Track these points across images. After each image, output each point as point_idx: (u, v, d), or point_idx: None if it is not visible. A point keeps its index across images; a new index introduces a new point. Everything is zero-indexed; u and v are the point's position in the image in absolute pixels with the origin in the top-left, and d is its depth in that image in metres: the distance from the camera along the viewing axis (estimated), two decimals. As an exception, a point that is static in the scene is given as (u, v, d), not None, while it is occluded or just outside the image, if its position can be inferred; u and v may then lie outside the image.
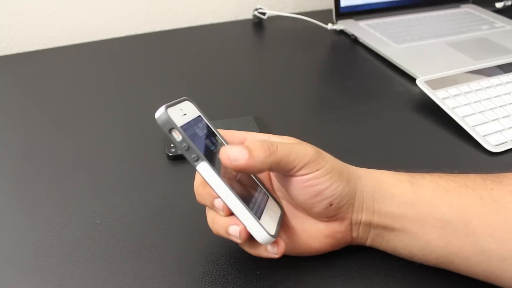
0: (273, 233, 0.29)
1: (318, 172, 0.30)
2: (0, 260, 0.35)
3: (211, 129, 0.32)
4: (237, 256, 0.35)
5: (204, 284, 0.33)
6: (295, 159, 0.29)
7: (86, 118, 0.54)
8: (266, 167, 0.29)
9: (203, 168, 0.28)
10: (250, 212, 0.29)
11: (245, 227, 0.29)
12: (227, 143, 0.33)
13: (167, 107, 0.28)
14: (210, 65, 0.67)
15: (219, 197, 0.29)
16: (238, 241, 0.30)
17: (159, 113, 0.28)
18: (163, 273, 0.34)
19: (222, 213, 0.30)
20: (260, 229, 0.29)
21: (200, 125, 0.31)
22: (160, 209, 0.40)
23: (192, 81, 0.63)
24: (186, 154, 0.28)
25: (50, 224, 0.38)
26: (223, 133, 0.33)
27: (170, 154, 0.46)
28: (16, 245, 0.36)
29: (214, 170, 0.28)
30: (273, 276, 0.33)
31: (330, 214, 0.32)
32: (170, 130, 0.28)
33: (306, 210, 0.32)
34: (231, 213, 0.30)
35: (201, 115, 0.32)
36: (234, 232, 0.29)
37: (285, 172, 0.30)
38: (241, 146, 0.29)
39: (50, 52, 0.71)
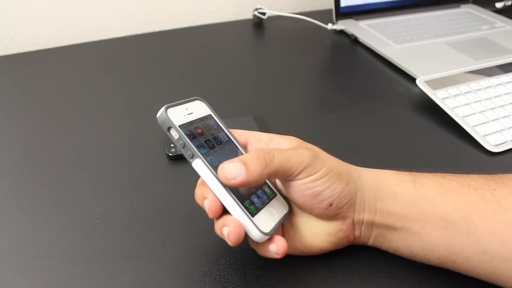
0: (267, 230, 0.30)
1: (316, 175, 0.30)
2: (0, 260, 0.35)
3: (221, 127, 0.34)
4: (237, 256, 0.35)
5: (204, 284, 0.33)
6: (291, 167, 0.30)
7: (86, 118, 0.54)
8: (264, 177, 0.29)
9: (197, 165, 0.30)
10: (242, 209, 0.29)
11: (234, 228, 0.29)
12: (237, 141, 0.34)
13: (167, 108, 0.30)
14: (210, 65, 0.67)
15: (213, 193, 0.30)
16: (229, 243, 0.29)
17: (159, 113, 0.30)
18: (163, 273, 0.34)
19: (208, 214, 0.30)
20: (252, 226, 0.29)
21: (207, 123, 0.33)
22: (160, 209, 0.40)
23: (192, 81, 0.63)
24: (182, 151, 0.30)
25: (50, 224, 0.38)
26: (232, 132, 0.34)
27: (170, 154, 0.45)
28: (16, 245, 0.36)
29: (208, 167, 0.29)
30: (273, 276, 0.33)
31: (331, 213, 0.32)
32: (168, 129, 0.30)
33: (307, 211, 0.32)
34: (216, 215, 0.30)
35: (212, 114, 0.34)
36: (225, 233, 0.30)
37: (284, 178, 0.31)
38: (237, 161, 0.28)
39: (50, 52, 0.71)
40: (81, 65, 0.67)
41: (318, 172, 0.30)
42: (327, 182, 0.30)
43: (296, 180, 0.30)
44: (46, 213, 0.39)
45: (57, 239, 0.37)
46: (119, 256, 0.35)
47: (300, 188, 0.31)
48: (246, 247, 0.35)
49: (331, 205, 0.31)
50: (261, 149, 0.30)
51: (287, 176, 0.30)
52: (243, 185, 0.28)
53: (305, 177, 0.30)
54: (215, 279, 0.33)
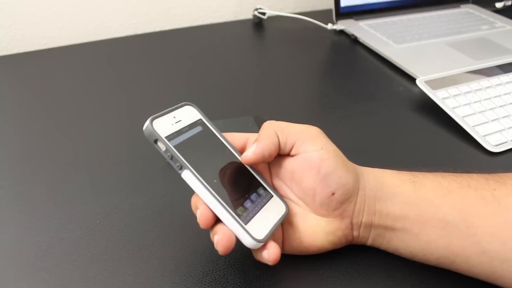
0: (261, 237, 0.29)
1: (323, 152, 0.31)
2: (0, 260, 0.35)
3: (212, 132, 0.33)
4: (237, 256, 0.35)
5: (204, 284, 0.33)
6: (297, 131, 0.32)
7: (86, 118, 0.54)
8: (275, 138, 0.32)
9: (187, 176, 0.29)
10: (234, 218, 0.29)
11: (223, 238, 0.29)
12: (230, 144, 0.33)
13: (152, 119, 0.30)
14: (210, 65, 0.67)
15: (205, 203, 0.30)
16: (218, 252, 0.29)
17: (144, 125, 0.30)
18: (163, 273, 0.34)
19: (199, 225, 0.30)
20: (244, 234, 0.29)
21: (198, 129, 0.32)
22: (160, 209, 0.40)
23: (192, 81, 0.63)
24: (171, 163, 0.30)
25: (50, 224, 0.38)
26: (225, 136, 0.34)
27: (170, 154, 0.45)
28: (16, 245, 0.36)
29: (198, 177, 0.29)
30: (273, 276, 0.33)
31: (331, 205, 0.32)
32: (155, 141, 0.30)
33: (309, 199, 0.32)
34: (208, 226, 0.30)
35: (203, 119, 0.33)
36: (214, 242, 0.29)
37: (290, 146, 0.32)
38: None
39: (50, 52, 0.71)
40: (81, 65, 0.67)
41: (325, 150, 0.31)
42: (334, 164, 0.31)
43: (303, 152, 0.31)
44: (46, 213, 0.39)
45: (57, 239, 0.37)
46: (119, 256, 0.35)
47: (308, 166, 0.31)
48: (246, 247, 0.35)
49: (333, 194, 0.31)
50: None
51: (293, 142, 0.32)
52: (259, 155, 0.31)
53: (312, 150, 0.31)
54: (215, 279, 0.33)
